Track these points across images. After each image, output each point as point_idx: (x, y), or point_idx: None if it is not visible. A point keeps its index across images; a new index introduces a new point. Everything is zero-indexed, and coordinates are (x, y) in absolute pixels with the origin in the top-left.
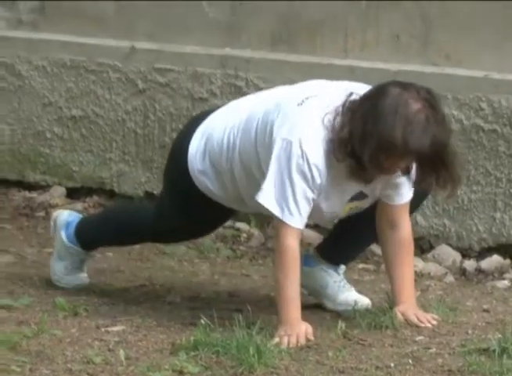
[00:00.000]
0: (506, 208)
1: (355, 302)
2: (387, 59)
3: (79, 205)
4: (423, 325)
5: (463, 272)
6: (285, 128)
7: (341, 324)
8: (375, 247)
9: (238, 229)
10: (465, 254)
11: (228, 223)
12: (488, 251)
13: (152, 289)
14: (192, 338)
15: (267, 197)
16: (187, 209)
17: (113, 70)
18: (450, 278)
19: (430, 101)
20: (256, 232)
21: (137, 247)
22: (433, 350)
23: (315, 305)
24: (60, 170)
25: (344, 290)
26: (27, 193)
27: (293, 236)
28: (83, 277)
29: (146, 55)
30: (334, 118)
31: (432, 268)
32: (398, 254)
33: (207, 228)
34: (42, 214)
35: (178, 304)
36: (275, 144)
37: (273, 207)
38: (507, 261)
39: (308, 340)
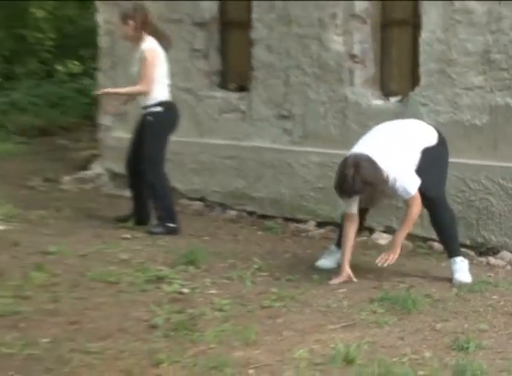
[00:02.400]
0: None
1: (462, 280)
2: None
3: (322, 230)
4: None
5: None
6: None
7: (454, 289)
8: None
9: (373, 239)
10: None
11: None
12: None
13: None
14: (380, 296)
15: None
16: None
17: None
18: (508, 267)
19: (358, 168)
20: (383, 242)
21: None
22: (501, 303)
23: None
24: (312, 213)
25: (455, 272)
26: (295, 224)
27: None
28: (327, 262)
29: None
30: None
31: (499, 262)
32: (402, 223)
33: None
34: (304, 234)
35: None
36: None
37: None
38: None
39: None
